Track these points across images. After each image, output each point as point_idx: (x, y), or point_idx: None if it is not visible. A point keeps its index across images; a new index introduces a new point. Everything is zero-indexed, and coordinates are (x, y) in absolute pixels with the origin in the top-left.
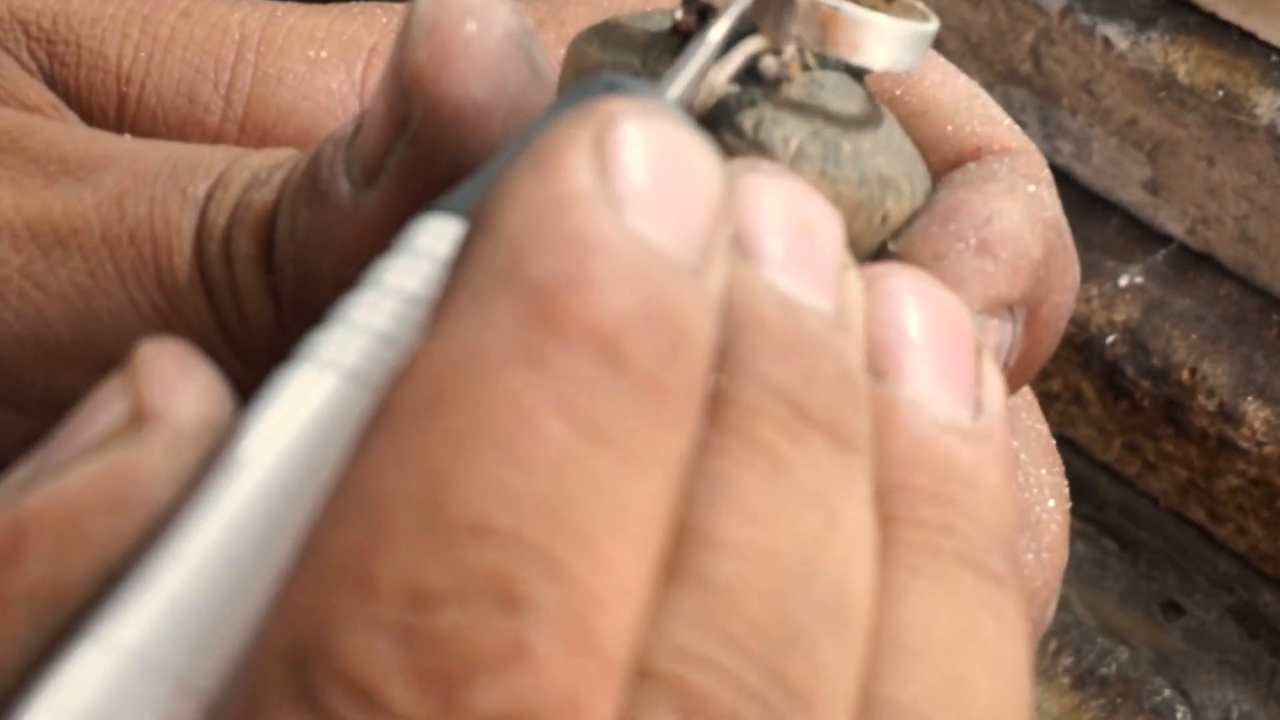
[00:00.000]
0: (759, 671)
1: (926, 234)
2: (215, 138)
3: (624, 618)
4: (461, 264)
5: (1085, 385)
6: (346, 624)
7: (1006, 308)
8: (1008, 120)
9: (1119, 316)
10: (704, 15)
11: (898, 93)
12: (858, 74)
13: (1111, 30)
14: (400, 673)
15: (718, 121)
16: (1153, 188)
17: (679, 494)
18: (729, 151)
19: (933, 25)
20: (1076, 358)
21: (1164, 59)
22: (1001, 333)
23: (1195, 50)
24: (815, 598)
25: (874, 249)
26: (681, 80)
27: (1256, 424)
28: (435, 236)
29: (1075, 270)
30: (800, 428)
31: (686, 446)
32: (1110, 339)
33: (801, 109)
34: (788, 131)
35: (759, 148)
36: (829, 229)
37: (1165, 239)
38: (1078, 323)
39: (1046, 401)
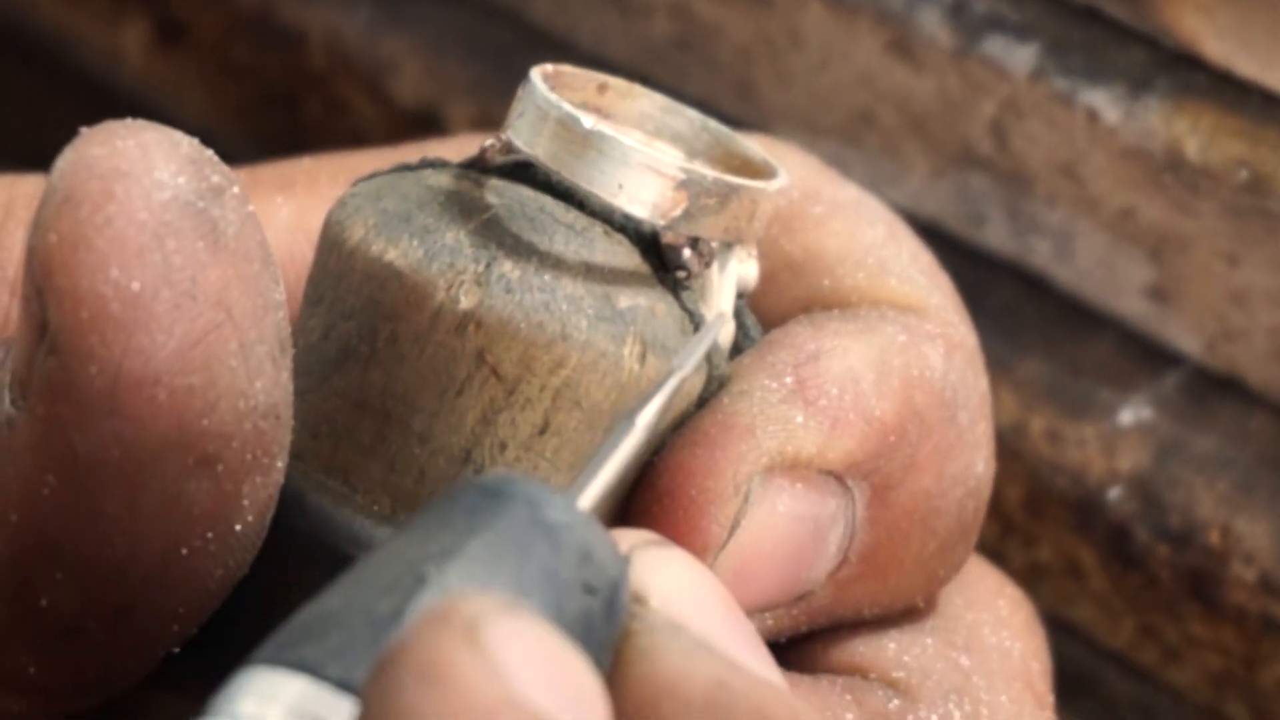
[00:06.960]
0: None
1: (738, 367)
2: None
3: None
4: None
5: (1084, 553)
6: None
7: (830, 476)
8: (922, 280)
9: (1123, 463)
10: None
11: (782, 240)
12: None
13: (1097, 97)
14: None
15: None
16: (1158, 295)
17: None
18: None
19: (732, 182)
20: (1071, 518)
21: (1167, 132)
22: (819, 506)
23: (1207, 119)
24: None
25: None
26: (600, 483)
27: None
28: (263, 700)
29: (970, 459)
30: None
31: None
32: (1113, 493)
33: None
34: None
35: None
36: None
37: (1176, 359)
38: (1069, 473)
39: (1034, 576)
